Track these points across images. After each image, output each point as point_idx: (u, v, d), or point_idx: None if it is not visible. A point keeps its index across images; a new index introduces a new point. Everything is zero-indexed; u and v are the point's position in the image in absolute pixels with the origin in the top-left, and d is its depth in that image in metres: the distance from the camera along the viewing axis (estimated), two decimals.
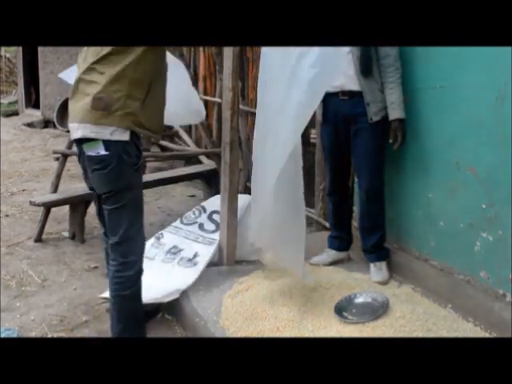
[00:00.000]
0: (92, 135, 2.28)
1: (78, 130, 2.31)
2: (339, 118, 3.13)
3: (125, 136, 2.29)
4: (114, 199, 2.38)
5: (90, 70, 2.29)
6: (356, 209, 3.45)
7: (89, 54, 2.32)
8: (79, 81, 2.34)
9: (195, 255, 3.33)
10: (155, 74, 2.36)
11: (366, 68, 2.98)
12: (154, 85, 2.35)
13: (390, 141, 3.04)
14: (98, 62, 2.27)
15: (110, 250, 2.50)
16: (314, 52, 2.41)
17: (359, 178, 3.21)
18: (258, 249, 2.98)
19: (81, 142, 2.36)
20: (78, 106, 2.31)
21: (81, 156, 2.44)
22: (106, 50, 2.25)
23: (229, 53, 3.12)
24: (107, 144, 2.28)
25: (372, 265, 3.21)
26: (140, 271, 2.54)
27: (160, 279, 3.12)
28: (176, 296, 3.04)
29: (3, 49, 18.76)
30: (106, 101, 2.24)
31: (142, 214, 2.53)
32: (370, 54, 2.99)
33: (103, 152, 2.28)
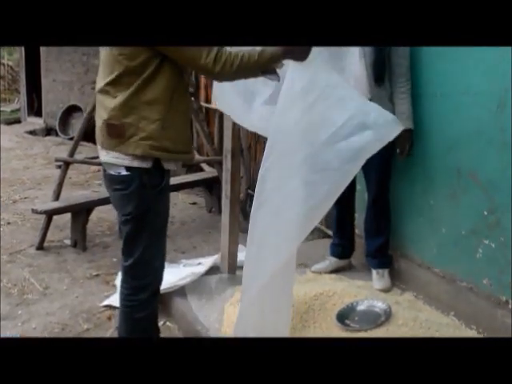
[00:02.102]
0: (113, 161, 2.17)
1: (101, 153, 2.23)
2: None
3: (145, 164, 2.15)
4: (132, 222, 2.24)
5: (104, 91, 2.16)
6: (358, 216, 3.45)
7: (103, 70, 2.19)
8: (97, 100, 2.23)
9: (199, 263, 3.39)
10: (174, 90, 2.15)
11: (378, 75, 2.94)
12: (175, 102, 2.16)
13: (398, 151, 3.03)
14: (111, 83, 2.13)
15: (122, 272, 2.36)
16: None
17: (367, 185, 3.21)
18: None
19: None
20: (98, 129, 2.22)
21: (104, 176, 2.34)
22: (117, 70, 2.10)
23: None
24: (128, 166, 2.17)
25: (374, 272, 3.20)
26: (155, 294, 2.39)
27: (170, 274, 3.06)
28: (193, 278, 3.12)
29: (6, 57, 18.86)
30: (119, 127, 2.11)
31: (162, 238, 2.37)
32: (384, 60, 2.94)
33: (124, 172, 2.16)
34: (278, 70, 2.20)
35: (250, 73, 2.18)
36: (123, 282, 2.36)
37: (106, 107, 2.14)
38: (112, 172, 2.20)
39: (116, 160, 2.15)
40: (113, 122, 2.12)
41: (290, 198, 2.20)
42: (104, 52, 2.18)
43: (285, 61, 2.17)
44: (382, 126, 2.14)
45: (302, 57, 2.17)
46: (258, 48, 2.09)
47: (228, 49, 2.07)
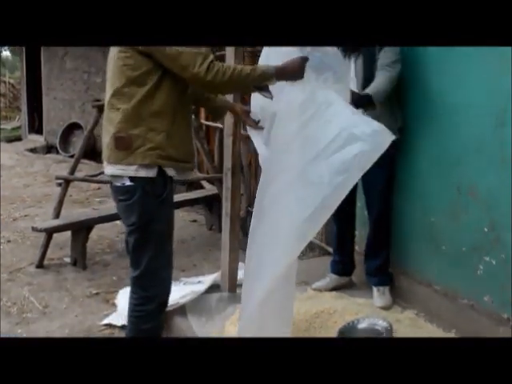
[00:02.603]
0: (118, 173, 2.24)
1: (107, 167, 2.30)
2: None
3: (151, 172, 2.22)
4: (136, 232, 2.29)
5: (109, 104, 2.25)
6: (358, 233, 3.44)
7: (108, 85, 2.27)
8: (104, 117, 2.30)
9: (199, 282, 3.38)
10: (177, 102, 2.24)
11: (367, 78, 2.95)
12: (178, 113, 2.25)
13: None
14: (113, 96, 2.22)
15: (131, 283, 2.41)
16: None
17: (367, 203, 3.21)
18: None
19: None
20: (104, 143, 2.28)
21: (111, 188, 2.40)
22: (118, 83, 2.20)
23: None
24: (132, 176, 2.23)
25: (375, 289, 3.19)
26: (163, 305, 2.42)
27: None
28: (193, 296, 3.10)
29: (7, 75, 18.99)
30: (127, 139, 2.18)
31: (168, 248, 2.40)
32: (373, 61, 2.96)
33: (128, 183, 2.23)
34: (270, 88, 2.26)
35: (241, 86, 2.25)
36: (131, 292, 2.41)
37: (112, 121, 2.22)
38: (117, 183, 2.28)
39: (121, 172, 2.23)
40: (121, 135, 2.19)
41: (286, 213, 2.21)
42: (109, 67, 2.26)
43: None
44: (372, 136, 2.15)
45: (295, 76, 2.23)
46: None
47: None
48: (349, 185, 2.16)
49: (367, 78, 2.96)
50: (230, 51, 3.12)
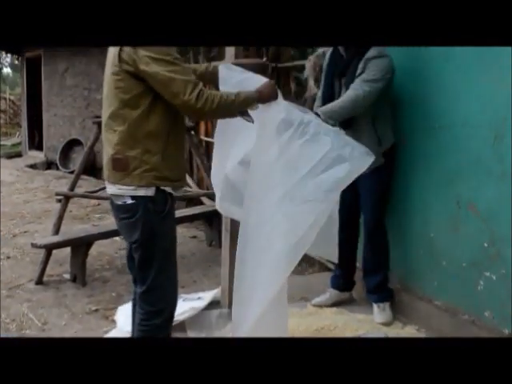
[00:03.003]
0: (119, 192, 2.29)
1: (108, 186, 2.35)
2: None
3: (150, 191, 2.25)
4: (140, 249, 2.32)
5: (106, 125, 2.29)
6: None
7: (104, 106, 2.31)
8: (103, 136, 2.35)
9: (199, 298, 3.38)
10: (171, 123, 2.28)
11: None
12: (172, 135, 2.29)
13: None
14: (110, 117, 2.26)
15: (138, 298, 2.43)
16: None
17: (363, 220, 3.22)
18: None
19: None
20: (104, 163, 2.34)
21: (112, 206, 2.44)
22: (114, 104, 2.24)
23: None
24: (133, 195, 2.28)
25: (375, 306, 3.18)
26: (169, 319, 2.44)
27: None
28: (192, 313, 3.09)
29: (7, 91, 19.09)
30: (124, 161, 2.23)
31: (172, 263, 2.44)
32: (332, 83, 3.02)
33: (130, 201, 2.27)
34: (250, 112, 2.35)
35: (228, 112, 2.33)
36: (138, 307, 2.43)
37: (110, 142, 2.27)
38: (119, 202, 2.32)
39: (121, 191, 2.27)
40: (118, 157, 2.24)
41: (275, 233, 2.29)
42: (105, 85, 2.30)
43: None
44: (358, 158, 2.32)
45: (272, 97, 2.36)
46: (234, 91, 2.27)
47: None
48: (333, 202, 2.40)
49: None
50: (229, 51, 3.13)
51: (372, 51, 2.91)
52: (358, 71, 2.93)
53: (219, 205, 2.77)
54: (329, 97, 3.09)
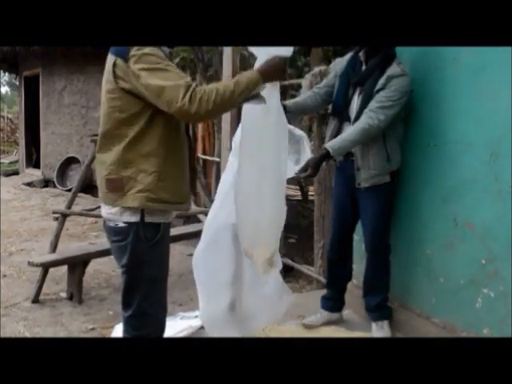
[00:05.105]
0: (110, 217, 2.23)
1: (102, 207, 2.29)
2: (344, 176, 3.14)
3: (134, 218, 2.17)
4: (128, 273, 2.26)
5: (101, 145, 2.22)
6: (355, 266, 3.42)
7: (101, 124, 2.24)
8: (96, 159, 2.28)
9: (196, 316, 3.34)
10: (170, 142, 2.19)
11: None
12: (170, 154, 2.19)
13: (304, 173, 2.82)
14: (105, 136, 2.19)
15: (123, 322, 2.37)
16: None
17: (364, 238, 3.19)
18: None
19: None
20: (98, 184, 2.26)
21: (104, 227, 2.39)
22: (108, 124, 2.17)
23: (227, 116, 3.20)
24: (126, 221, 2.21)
25: (374, 324, 3.16)
26: None
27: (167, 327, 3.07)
28: (190, 331, 3.11)
29: (5, 109, 19.15)
30: (118, 182, 2.15)
31: (161, 289, 2.36)
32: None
33: (121, 224, 2.20)
34: (261, 93, 2.16)
35: (230, 105, 2.16)
36: (124, 332, 2.37)
37: (103, 163, 2.19)
38: (111, 224, 2.25)
39: (114, 216, 2.21)
40: (111, 177, 2.16)
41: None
42: (102, 106, 2.23)
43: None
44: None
45: (278, 76, 2.21)
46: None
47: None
48: None
49: (357, 117, 2.90)
50: (229, 51, 3.15)
51: (395, 68, 2.84)
52: (378, 86, 2.84)
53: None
54: (341, 107, 3.00)
